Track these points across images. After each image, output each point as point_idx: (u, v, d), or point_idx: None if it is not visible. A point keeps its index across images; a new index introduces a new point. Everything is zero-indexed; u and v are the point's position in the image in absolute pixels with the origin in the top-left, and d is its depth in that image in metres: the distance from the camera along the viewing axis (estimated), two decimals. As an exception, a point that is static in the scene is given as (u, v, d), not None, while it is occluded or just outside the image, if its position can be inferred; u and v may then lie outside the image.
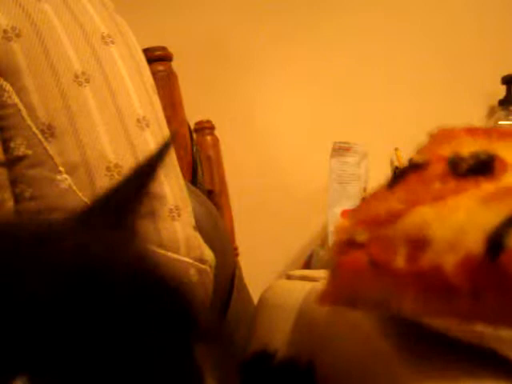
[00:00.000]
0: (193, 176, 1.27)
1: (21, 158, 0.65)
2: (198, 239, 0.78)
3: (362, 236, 0.31)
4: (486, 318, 0.28)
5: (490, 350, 0.32)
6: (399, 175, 0.34)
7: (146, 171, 0.40)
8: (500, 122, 1.56)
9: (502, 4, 1.72)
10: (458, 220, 0.28)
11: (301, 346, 0.57)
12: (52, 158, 0.66)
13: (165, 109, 0.85)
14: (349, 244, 0.32)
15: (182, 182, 0.81)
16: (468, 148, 0.33)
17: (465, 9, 1.73)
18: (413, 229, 0.29)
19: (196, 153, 1.29)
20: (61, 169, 0.66)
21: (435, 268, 0.27)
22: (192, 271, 0.74)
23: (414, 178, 0.33)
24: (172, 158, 0.80)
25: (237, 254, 1.47)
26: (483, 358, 0.32)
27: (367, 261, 0.30)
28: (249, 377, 0.50)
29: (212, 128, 1.52)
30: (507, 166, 0.31)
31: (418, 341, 0.36)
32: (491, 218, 0.27)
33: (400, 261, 0.29)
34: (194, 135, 1.40)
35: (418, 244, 0.28)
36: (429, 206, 0.29)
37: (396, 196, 0.32)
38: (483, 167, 0.31)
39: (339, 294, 0.34)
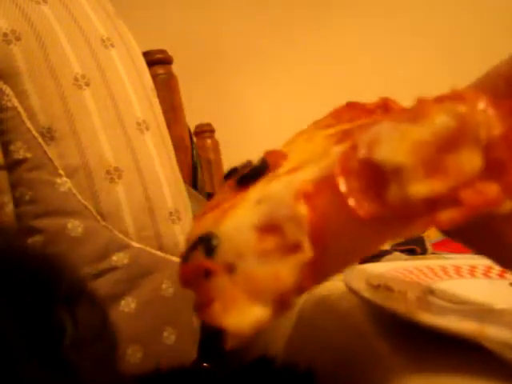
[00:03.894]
0: (193, 179, 1.27)
1: (21, 161, 0.65)
2: (198, 242, 0.78)
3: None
4: None
5: (484, 348, 0.32)
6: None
7: None
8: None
9: (505, 4, 1.73)
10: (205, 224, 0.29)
11: (300, 348, 0.57)
12: (52, 161, 0.66)
13: (165, 112, 0.85)
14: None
15: (182, 185, 0.81)
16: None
17: (466, 9, 1.73)
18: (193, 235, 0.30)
19: (196, 156, 1.30)
20: (61, 172, 0.66)
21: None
22: (192, 274, 0.74)
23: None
24: (172, 161, 0.80)
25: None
26: (477, 356, 0.32)
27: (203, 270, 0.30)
28: (250, 380, 0.50)
29: (212, 131, 1.52)
30: (280, 164, 0.31)
31: (416, 341, 0.36)
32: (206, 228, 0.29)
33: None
34: (194, 138, 1.41)
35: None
36: (209, 213, 0.30)
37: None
38: (256, 173, 0.31)
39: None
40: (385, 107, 0.31)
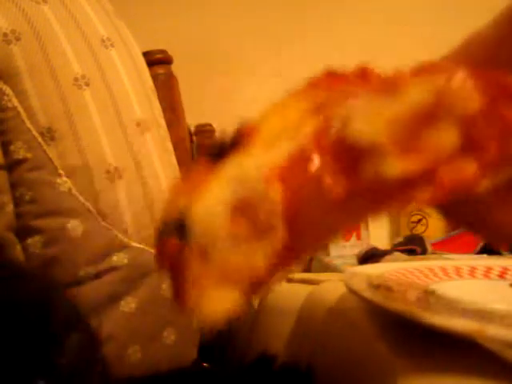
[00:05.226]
0: (193, 179, 1.27)
1: (21, 161, 0.65)
2: (197, 242, 0.78)
3: None
4: None
5: (484, 348, 0.32)
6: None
7: None
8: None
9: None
10: None
11: (300, 348, 0.57)
12: (52, 161, 0.66)
13: (165, 112, 0.85)
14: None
15: (181, 185, 0.81)
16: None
17: (462, 14, 1.73)
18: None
19: (196, 156, 1.29)
20: (61, 172, 0.66)
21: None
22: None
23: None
24: (172, 161, 0.80)
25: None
26: (477, 356, 0.32)
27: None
28: (250, 380, 0.50)
29: (212, 131, 1.52)
30: (252, 140, 0.29)
31: (416, 341, 0.36)
32: None
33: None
34: (194, 138, 1.41)
35: None
36: (183, 190, 0.29)
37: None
38: (227, 148, 0.29)
39: None
40: (363, 76, 0.30)
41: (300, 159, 0.26)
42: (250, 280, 0.27)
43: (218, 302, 0.27)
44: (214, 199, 0.27)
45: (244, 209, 0.27)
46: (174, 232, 0.27)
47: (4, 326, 0.34)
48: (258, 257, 0.26)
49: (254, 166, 0.27)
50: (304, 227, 0.26)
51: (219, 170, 0.28)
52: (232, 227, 0.26)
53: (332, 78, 0.30)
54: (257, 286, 0.27)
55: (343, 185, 0.25)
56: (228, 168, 0.28)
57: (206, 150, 0.31)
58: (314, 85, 0.31)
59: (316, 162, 0.26)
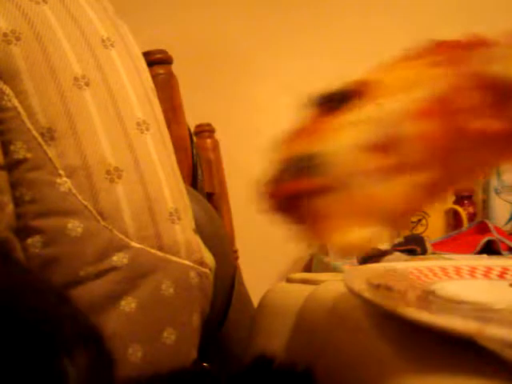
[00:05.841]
0: (193, 179, 1.27)
1: (21, 161, 0.65)
2: (198, 242, 0.78)
3: None
4: None
5: (484, 348, 0.32)
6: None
7: None
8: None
9: (497, 6, 1.73)
10: None
11: (300, 349, 0.57)
12: (52, 161, 0.66)
13: (165, 112, 0.85)
14: None
15: (181, 185, 0.81)
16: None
17: (458, 12, 1.73)
18: None
19: (196, 156, 1.29)
20: (61, 172, 0.66)
21: None
22: (192, 274, 0.74)
23: None
24: (172, 161, 0.80)
25: (237, 257, 1.47)
26: (481, 358, 0.32)
27: None
28: (249, 381, 0.50)
29: (212, 131, 1.52)
30: (372, 90, 0.31)
31: (418, 344, 0.36)
32: None
33: None
34: (194, 138, 1.41)
35: None
36: (299, 139, 0.31)
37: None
38: (342, 98, 0.31)
39: None
40: (469, 44, 0.31)
41: (438, 99, 0.27)
42: (389, 215, 0.28)
43: (353, 234, 0.28)
44: (346, 138, 0.28)
45: (383, 146, 0.28)
46: (302, 170, 0.29)
47: (14, 338, 0.33)
48: (397, 192, 0.27)
49: (393, 107, 0.28)
50: (445, 164, 0.27)
51: (338, 116, 0.29)
52: (370, 163, 0.27)
53: (442, 45, 0.32)
54: (394, 222, 0.28)
55: (490, 123, 0.26)
56: (352, 112, 0.29)
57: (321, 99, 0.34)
58: (423, 50, 0.32)
59: (463, 100, 0.26)
